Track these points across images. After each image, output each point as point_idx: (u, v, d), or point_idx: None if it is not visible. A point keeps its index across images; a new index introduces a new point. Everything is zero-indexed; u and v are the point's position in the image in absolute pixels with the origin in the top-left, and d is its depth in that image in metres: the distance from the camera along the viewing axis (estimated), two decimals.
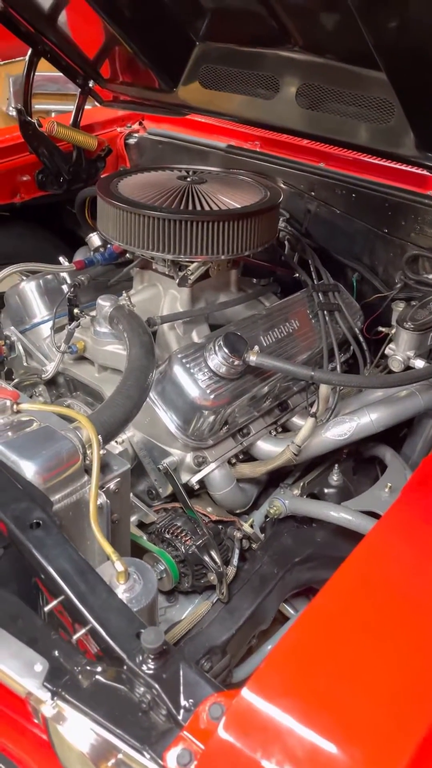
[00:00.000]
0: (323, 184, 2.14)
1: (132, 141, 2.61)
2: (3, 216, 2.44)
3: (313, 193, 2.15)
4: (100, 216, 1.73)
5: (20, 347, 1.84)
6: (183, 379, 1.51)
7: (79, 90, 2.36)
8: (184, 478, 1.59)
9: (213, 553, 1.52)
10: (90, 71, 2.30)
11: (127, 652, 0.88)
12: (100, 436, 1.19)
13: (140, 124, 2.67)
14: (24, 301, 1.86)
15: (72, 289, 1.73)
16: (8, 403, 1.20)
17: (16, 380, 1.89)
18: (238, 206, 1.66)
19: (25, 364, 1.86)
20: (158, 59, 2.12)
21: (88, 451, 1.19)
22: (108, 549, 1.04)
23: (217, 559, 1.52)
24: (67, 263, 2.23)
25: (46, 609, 0.97)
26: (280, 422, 1.79)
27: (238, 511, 1.72)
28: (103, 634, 0.91)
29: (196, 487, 1.61)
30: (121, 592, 1.02)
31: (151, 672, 0.86)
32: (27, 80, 2.22)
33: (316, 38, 1.74)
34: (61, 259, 2.27)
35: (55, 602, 0.96)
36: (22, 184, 2.37)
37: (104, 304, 1.64)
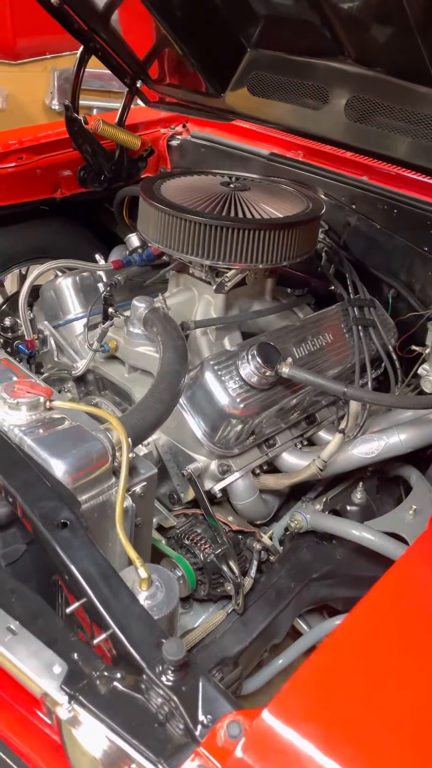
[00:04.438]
0: (365, 197, 2.12)
1: (174, 143, 2.61)
2: (42, 210, 2.45)
3: (354, 206, 2.13)
4: (141, 217, 1.73)
5: (52, 342, 1.85)
6: (213, 386, 1.50)
7: (127, 89, 2.37)
8: (207, 485, 1.58)
9: (231, 563, 1.51)
10: (139, 71, 2.30)
11: (147, 661, 0.87)
12: (129, 439, 1.18)
13: (184, 126, 2.67)
14: (59, 296, 1.87)
15: (108, 289, 1.73)
16: (41, 399, 1.20)
17: (45, 374, 1.90)
18: (280, 216, 1.65)
19: (55, 359, 1.87)
20: (208, 63, 2.12)
21: (117, 454, 1.19)
22: (132, 554, 1.03)
23: (236, 570, 1.51)
24: (103, 261, 2.24)
25: (68, 610, 0.96)
26: (307, 435, 1.78)
27: (258, 522, 1.71)
28: (124, 640, 0.90)
29: (219, 495, 1.60)
30: (143, 598, 1.02)
31: (170, 684, 0.85)
32: (76, 77, 2.23)
33: (370, 51, 1.72)
34: (97, 256, 2.27)
35: (77, 604, 0.96)
36: (63, 179, 2.39)
37: (139, 305, 1.64)
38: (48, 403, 1.21)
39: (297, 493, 1.79)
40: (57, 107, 5.99)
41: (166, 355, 1.42)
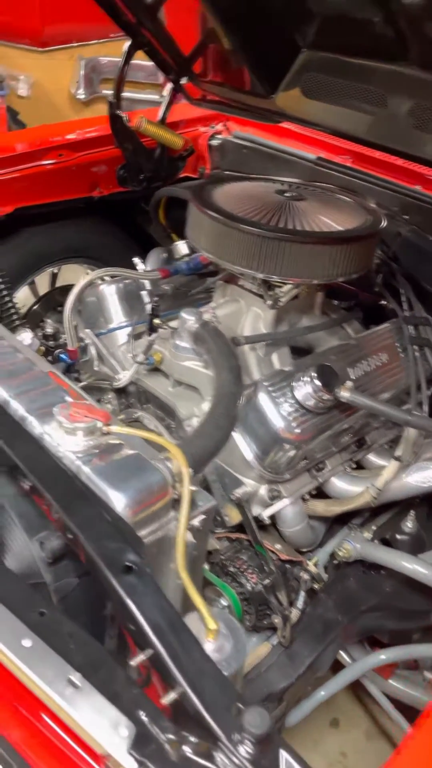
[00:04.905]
0: (418, 208, 2.03)
1: (215, 142, 2.52)
2: (76, 209, 2.37)
3: (406, 217, 2.04)
4: (193, 225, 1.65)
5: (93, 351, 1.78)
6: (268, 409, 1.43)
7: (171, 86, 2.29)
8: (255, 510, 1.51)
9: (280, 595, 1.44)
10: (184, 67, 2.22)
11: (223, 727, 0.81)
12: (190, 470, 1.11)
13: (224, 125, 2.58)
14: (102, 304, 1.79)
15: (156, 299, 1.65)
16: (99, 424, 1.13)
17: (83, 383, 1.83)
18: (339, 228, 1.57)
19: (95, 368, 1.80)
20: (259, 62, 2.03)
21: (177, 485, 1.12)
22: (198, 601, 0.96)
23: (284, 602, 1.44)
24: (142, 265, 2.16)
25: (133, 663, 0.90)
26: (356, 459, 1.70)
27: (303, 550, 1.64)
28: (197, 702, 0.83)
29: (267, 522, 1.52)
30: (210, 650, 0.95)
31: (248, 756, 0.78)
32: (121, 72, 2.15)
33: None
34: (136, 260, 2.20)
35: (142, 656, 0.89)
36: (101, 178, 2.31)
37: (188, 318, 1.57)
38: (105, 428, 1.14)
39: (342, 517, 1.71)
40: (82, 96, 5.89)
41: (222, 376, 1.34)
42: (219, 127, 2.58)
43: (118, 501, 1.04)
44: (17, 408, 1.19)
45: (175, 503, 1.12)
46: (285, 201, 1.65)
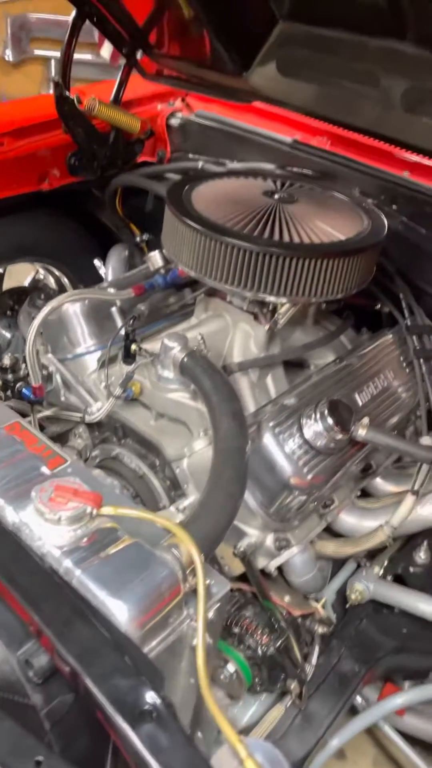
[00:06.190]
0: (409, 198, 1.85)
1: (175, 122, 2.26)
2: (25, 203, 2.10)
3: (395, 207, 1.86)
4: (171, 235, 1.43)
5: (59, 379, 1.55)
6: (275, 453, 1.25)
7: (124, 61, 2.01)
8: (261, 562, 1.34)
9: (294, 656, 1.29)
10: (139, 40, 1.95)
11: None
12: (202, 556, 0.93)
13: (183, 101, 2.32)
14: (66, 324, 1.55)
15: (131, 322, 1.44)
16: (88, 509, 0.93)
17: (45, 413, 1.60)
18: (342, 238, 1.38)
19: (62, 398, 1.57)
20: (229, 35, 1.79)
21: (189, 577, 0.93)
22: (232, 735, 0.79)
23: (299, 662, 1.29)
24: (102, 268, 1.93)
25: None
26: (361, 486, 1.55)
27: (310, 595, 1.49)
28: None
29: (274, 574, 1.36)
30: None
31: None
32: (68, 48, 1.87)
33: None
34: (96, 263, 1.96)
35: None
36: (51, 168, 2.04)
37: (172, 345, 1.36)
38: (95, 512, 0.94)
39: None
40: (11, 58, 5.44)
41: (224, 426, 1.15)
42: (177, 103, 2.32)
43: (120, 612, 0.85)
44: None
45: (188, 597, 0.94)
46: (275, 204, 1.44)
